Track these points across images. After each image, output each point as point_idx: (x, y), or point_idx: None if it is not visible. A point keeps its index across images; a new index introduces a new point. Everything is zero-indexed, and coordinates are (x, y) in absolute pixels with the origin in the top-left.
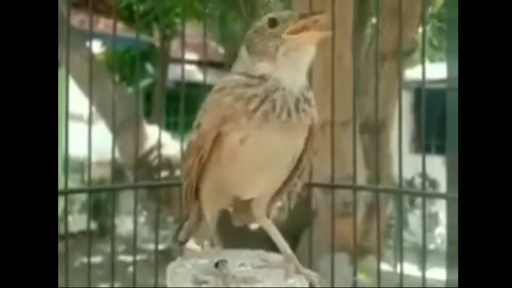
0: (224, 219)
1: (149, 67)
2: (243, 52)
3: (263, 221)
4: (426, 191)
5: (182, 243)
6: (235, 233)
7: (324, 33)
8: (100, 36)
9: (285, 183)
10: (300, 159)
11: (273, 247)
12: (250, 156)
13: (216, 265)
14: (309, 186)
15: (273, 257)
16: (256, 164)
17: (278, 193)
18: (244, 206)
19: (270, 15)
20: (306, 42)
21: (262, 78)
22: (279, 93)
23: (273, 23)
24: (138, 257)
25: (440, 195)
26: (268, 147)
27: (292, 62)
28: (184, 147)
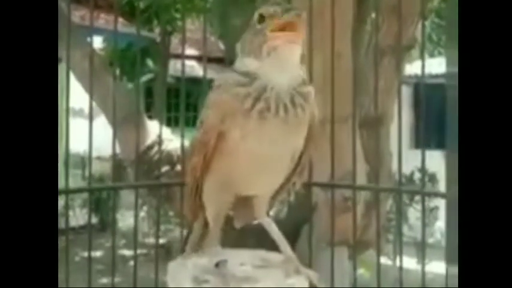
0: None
1: (150, 62)
2: (237, 49)
3: (264, 220)
4: (425, 190)
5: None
6: (235, 233)
7: (302, 35)
8: (101, 32)
9: (285, 181)
10: (299, 158)
11: (273, 247)
12: (252, 152)
13: (217, 265)
14: (309, 185)
15: (273, 256)
16: (257, 160)
17: (278, 191)
18: (244, 204)
19: (260, 10)
20: (287, 43)
21: (251, 75)
22: (271, 91)
23: (261, 18)
24: (139, 252)
25: (439, 194)
26: (268, 144)
27: (277, 60)
28: (185, 142)
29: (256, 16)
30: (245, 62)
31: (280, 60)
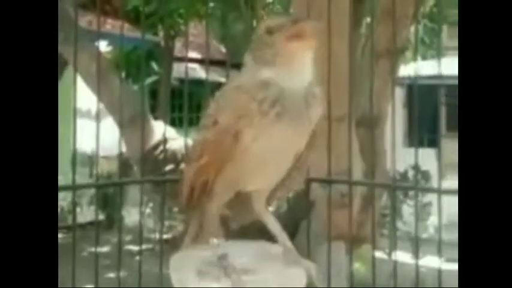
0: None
1: (154, 65)
2: (247, 59)
3: (262, 214)
4: (418, 185)
5: None
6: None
7: (314, 42)
8: (107, 36)
9: (285, 176)
10: (300, 154)
11: (273, 239)
12: (261, 152)
13: (219, 258)
14: (307, 181)
15: (273, 248)
16: (265, 159)
17: (278, 186)
18: (242, 201)
19: (267, 23)
20: (299, 51)
21: (267, 83)
22: (287, 94)
23: (270, 31)
24: (144, 247)
25: (431, 190)
26: (278, 143)
27: (290, 68)
28: (189, 141)
29: (262, 28)
30: (259, 72)
31: (293, 67)
